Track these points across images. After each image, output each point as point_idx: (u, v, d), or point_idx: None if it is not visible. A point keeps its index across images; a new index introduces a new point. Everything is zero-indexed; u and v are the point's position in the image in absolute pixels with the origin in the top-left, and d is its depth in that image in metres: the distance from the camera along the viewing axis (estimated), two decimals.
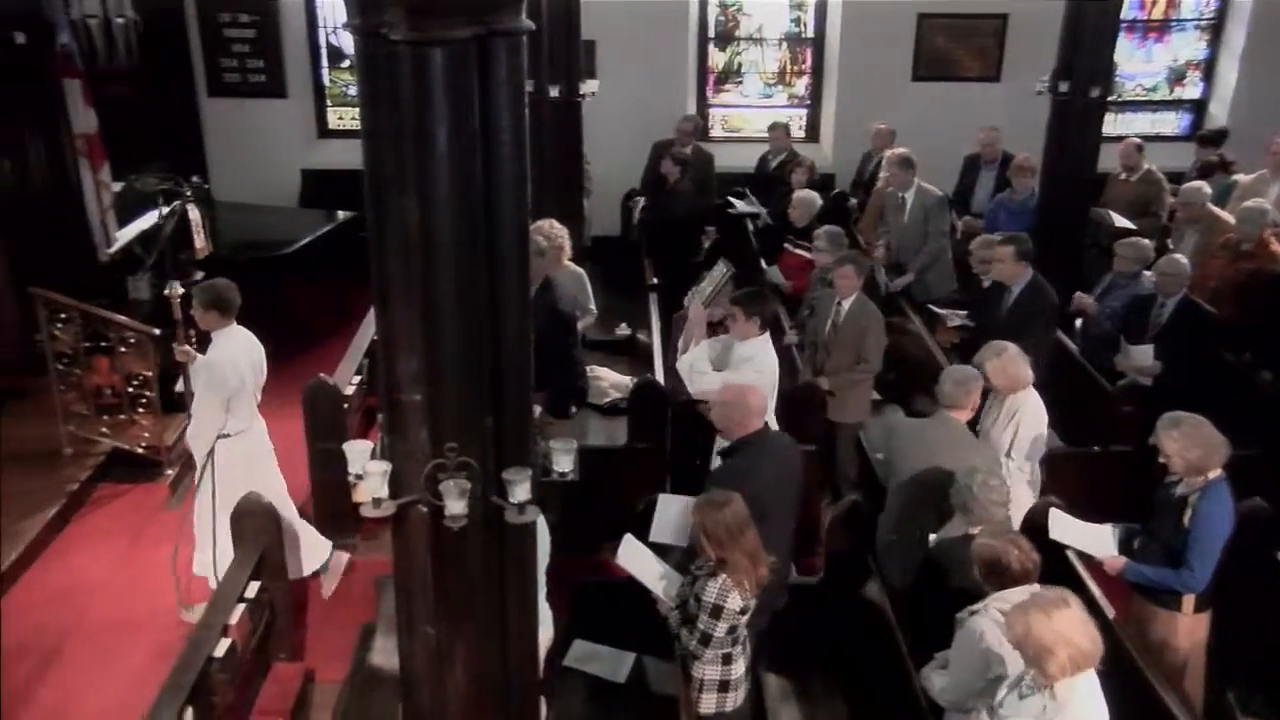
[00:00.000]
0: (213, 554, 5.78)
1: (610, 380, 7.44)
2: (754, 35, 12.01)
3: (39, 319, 6.82)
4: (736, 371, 5.77)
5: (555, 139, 8.41)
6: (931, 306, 8.13)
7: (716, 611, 4.35)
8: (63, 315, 6.75)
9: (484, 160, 2.87)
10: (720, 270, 7.97)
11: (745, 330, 5.83)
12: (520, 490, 3.10)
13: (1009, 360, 5.67)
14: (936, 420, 5.60)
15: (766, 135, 11.03)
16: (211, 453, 5.80)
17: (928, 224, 8.62)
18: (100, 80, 8.77)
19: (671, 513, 5.14)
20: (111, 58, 10.04)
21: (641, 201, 10.09)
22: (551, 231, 7.02)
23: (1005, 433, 5.76)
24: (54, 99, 7.63)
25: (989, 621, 4.06)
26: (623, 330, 8.62)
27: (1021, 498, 5.44)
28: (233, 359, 5.78)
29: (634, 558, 5.03)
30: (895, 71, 11.49)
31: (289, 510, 6.14)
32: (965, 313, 7.65)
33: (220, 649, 4.80)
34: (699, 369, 5.93)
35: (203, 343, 5.99)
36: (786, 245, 8.86)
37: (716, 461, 5.44)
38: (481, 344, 3.04)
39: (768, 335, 5.95)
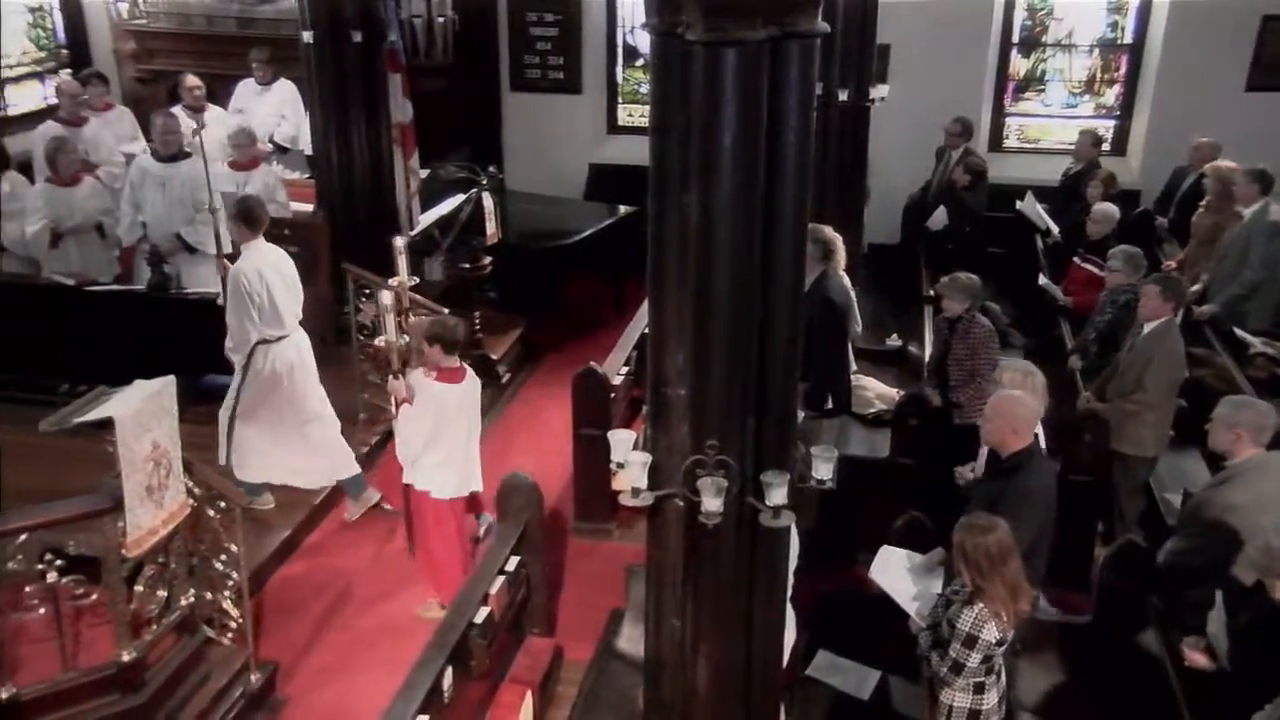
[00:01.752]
0: (227, 449, 6.52)
1: (876, 391, 7.29)
2: (1063, 41, 11.35)
3: (348, 293, 7.45)
4: None
5: (840, 143, 8.30)
6: (1236, 330, 7.39)
7: (971, 641, 4.16)
8: (367, 290, 7.34)
9: (767, 161, 2.87)
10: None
11: None
12: (777, 493, 3.09)
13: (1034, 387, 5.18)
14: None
15: (1066, 147, 10.38)
16: (250, 356, 6.41)
17: (1249, 249, 7.76)
18: (418, 74, 9.46)
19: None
20: (430, 54, 10.83)
21: (942, 211, 9.74)
22: (828, 235, 6.97)
23: None
24: (379, 92, 8.31)
25: None
26: (893, 341, 8.42)
27: None
28: (256, 267, 6.32)
29: (888, 572, 4.91)
30: (1226, 80, 10.48)
31: (323, 422, 6.72)
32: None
33: (480, 616, 5.07)
34: None
35: None
36: (1075, 259, 8.33)
37: None
38: (750, 345, 3.05)
39: None
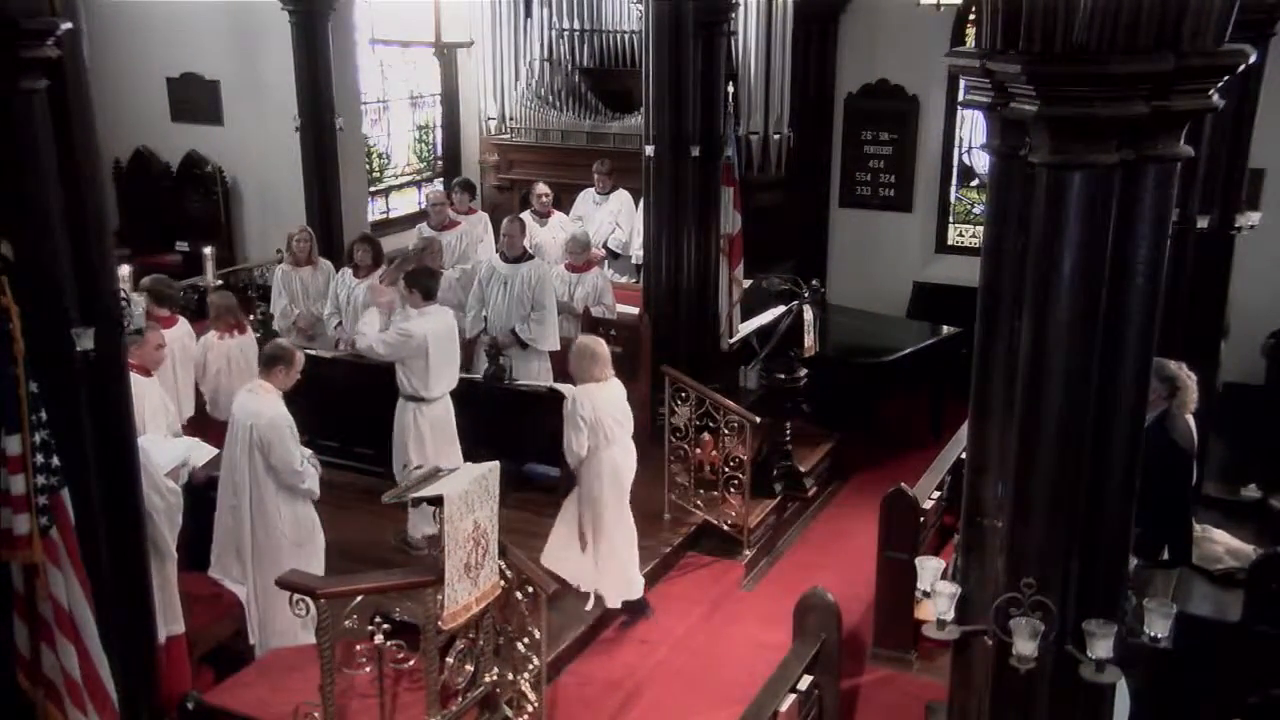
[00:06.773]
0: None
1: (1227, 546, 6.56)
2: None
3: (665, 394, 7.70)
4: (386, 332, 6.79)
5: (1197, 273, 7.66)
6: None
7: None
8: (683, 394, 7.56)
9: (1110, 289, 2.71)
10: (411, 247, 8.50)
11: (413, 300, 6.87)
12: (1101, 645, 2.83)
13: (580, 352, 6.27)
14: None
15: None
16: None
17: None
18: (750, 188, 9.77)
19: None
20: (763, 168, 11.20)
21: None
22: (1180, 373, 6.42)
23: None
24: (711, 203, 8.66)
25: None
26: (1250, 491, 7.60)
27: None
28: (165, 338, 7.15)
29: None
30: None
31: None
32: None
33: None
34: (360, 330, 7.02)
35: None
36: None
37: None
38: (1078, 481, 2.85)
39: (435, 308, 6.90)
